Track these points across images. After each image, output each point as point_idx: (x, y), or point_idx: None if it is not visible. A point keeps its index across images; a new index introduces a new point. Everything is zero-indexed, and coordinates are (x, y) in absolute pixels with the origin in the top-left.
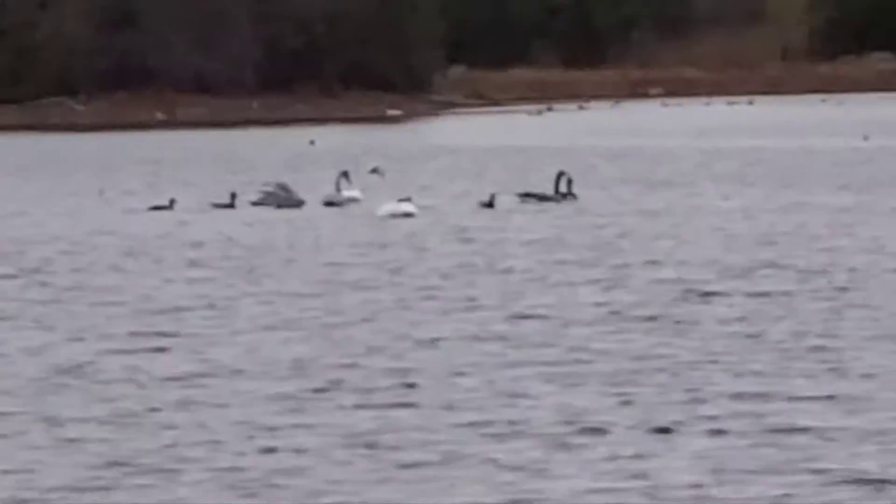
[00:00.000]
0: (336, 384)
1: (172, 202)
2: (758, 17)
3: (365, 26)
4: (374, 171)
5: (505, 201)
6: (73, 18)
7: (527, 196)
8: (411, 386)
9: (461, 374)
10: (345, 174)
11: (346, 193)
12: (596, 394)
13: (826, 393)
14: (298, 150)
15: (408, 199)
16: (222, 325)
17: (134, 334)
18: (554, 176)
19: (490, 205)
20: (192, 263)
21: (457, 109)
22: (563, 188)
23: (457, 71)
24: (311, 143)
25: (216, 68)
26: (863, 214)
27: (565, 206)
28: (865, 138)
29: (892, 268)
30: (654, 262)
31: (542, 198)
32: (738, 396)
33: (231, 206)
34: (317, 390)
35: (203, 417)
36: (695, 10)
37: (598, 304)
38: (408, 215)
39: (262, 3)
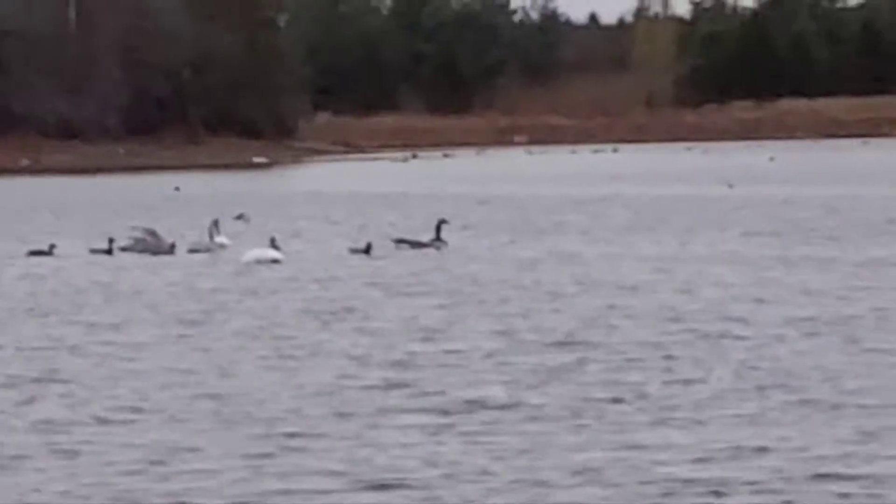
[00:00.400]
0: (206, 433)
1: (52, 247)
2: (623, 65)
3: (231, 73)
4: (240, 217)
5: (379, 248)
6: None
7: (402, 242)
8: (289, 435)
9: (332, 422)
10: (215, 223)
11: (218, 239)
12: (468, 443)
13: (696, 442)
14: (164, 197)
15: (273, 245)
16: (93, 373)
17: (10, 378)
18: (433, 223)
19: (367, 251)
20: (68, 310)
21: (322, 156)
22: (437, 235)
23: (322, 118)
24: (176, 189)
25: (82, 114)
26: (731, 263)
27: (440, 253)
28: (730, 186)
29: (765, 317)
30: (530, 310)
31: (416, 244)
32: (616, 445)
33: (109, 252)
34: (187, 438)
35: (71, 464)
36: (560, 57)
37: (473, 352)
38: (275, 261)
39: (129, 49)
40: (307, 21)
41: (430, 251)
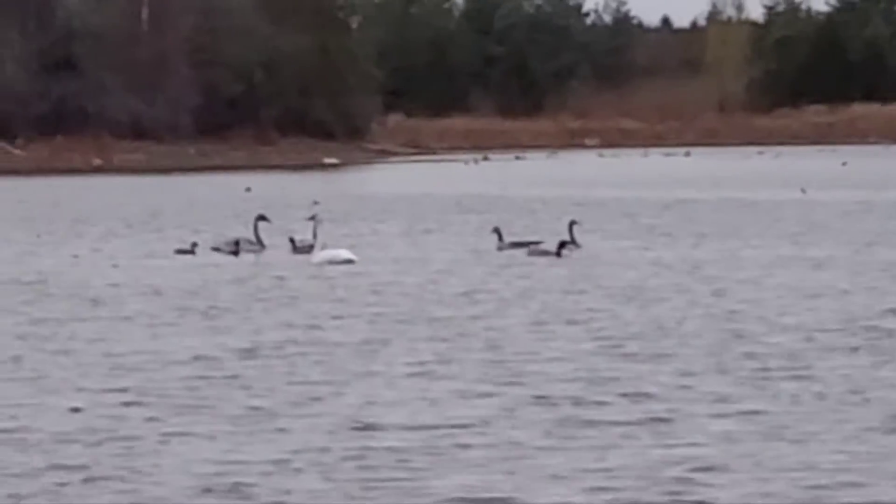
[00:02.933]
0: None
1: (195, 246)
2: (695, 68)
3: (303, 74)
4: (312, 218)
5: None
6: (12, 62)
7: (535, 245)
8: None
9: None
10: (314, 218)
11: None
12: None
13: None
14: (236, 197)
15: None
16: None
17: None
18: (565, 225)
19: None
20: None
21: (393, 158)
22: (571, 237)
23: (394, 119)
24: (248, 190)
25: (154, 114)
26: (836, 267)
27: (573, 256)
28: (803, 191)
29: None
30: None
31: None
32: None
33: (235, 253)
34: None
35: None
36: (632, 60)
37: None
38: (348, 262)
39: (200, 49)
40: (379, 23)
41: (569, 253)
